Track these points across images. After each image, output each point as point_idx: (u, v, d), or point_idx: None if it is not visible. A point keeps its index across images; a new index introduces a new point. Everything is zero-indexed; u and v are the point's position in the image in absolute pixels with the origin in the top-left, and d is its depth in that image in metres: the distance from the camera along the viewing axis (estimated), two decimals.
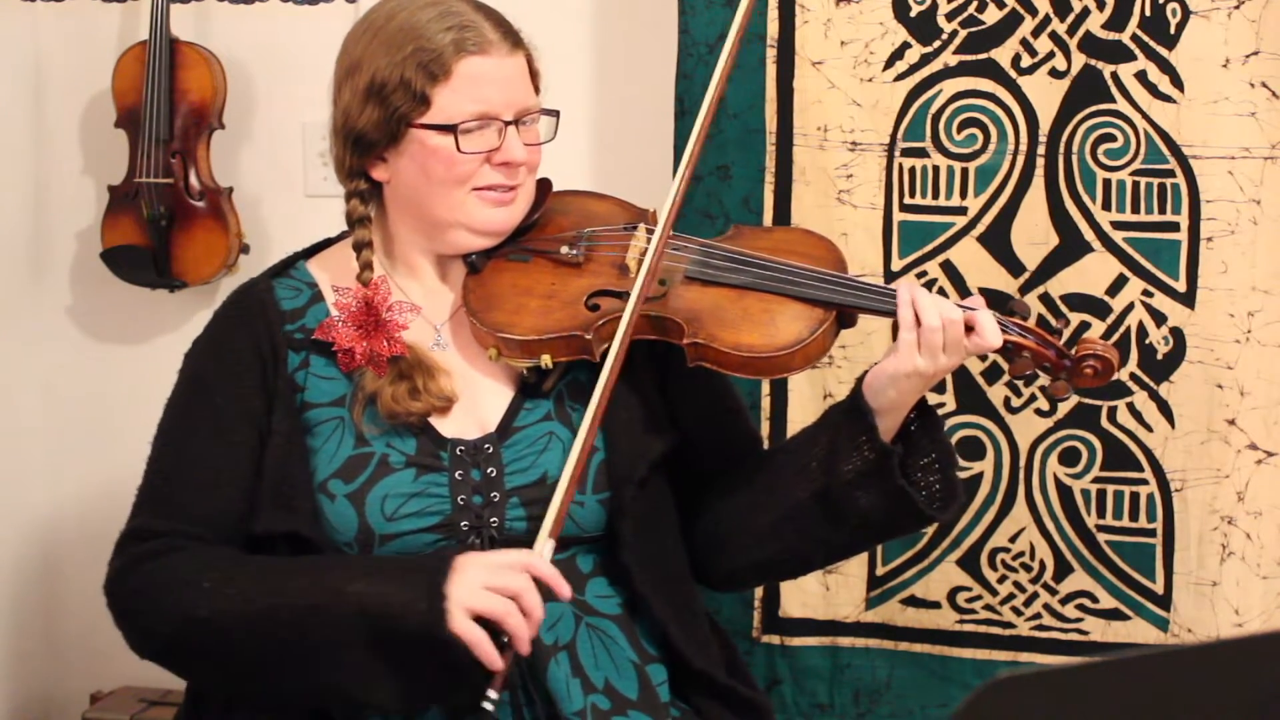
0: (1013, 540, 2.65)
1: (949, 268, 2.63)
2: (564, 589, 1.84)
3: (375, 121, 1.96)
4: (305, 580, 1.84)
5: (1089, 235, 2.58)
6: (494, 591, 1.80)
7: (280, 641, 1.83)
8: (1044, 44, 2.58)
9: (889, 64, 2.62)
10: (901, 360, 1.91)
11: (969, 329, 1.92)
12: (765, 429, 2.65)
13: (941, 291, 2.60)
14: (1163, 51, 2.54)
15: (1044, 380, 1.99)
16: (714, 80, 1.99)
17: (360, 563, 1.89)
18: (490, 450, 1.96)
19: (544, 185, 2.09)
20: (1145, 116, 2.55)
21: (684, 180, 1.98)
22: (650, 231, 2.03)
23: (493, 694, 1.79)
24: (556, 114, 2.04)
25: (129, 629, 1.92)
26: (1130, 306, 2.58)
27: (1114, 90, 2.56)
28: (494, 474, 1.94)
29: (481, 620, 1.79)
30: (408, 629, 1.79)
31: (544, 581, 1.83)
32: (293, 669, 1.84)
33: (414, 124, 1.96)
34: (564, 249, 2.03)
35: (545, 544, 1.85)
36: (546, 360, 1.96)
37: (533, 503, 1.93)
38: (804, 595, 2.69)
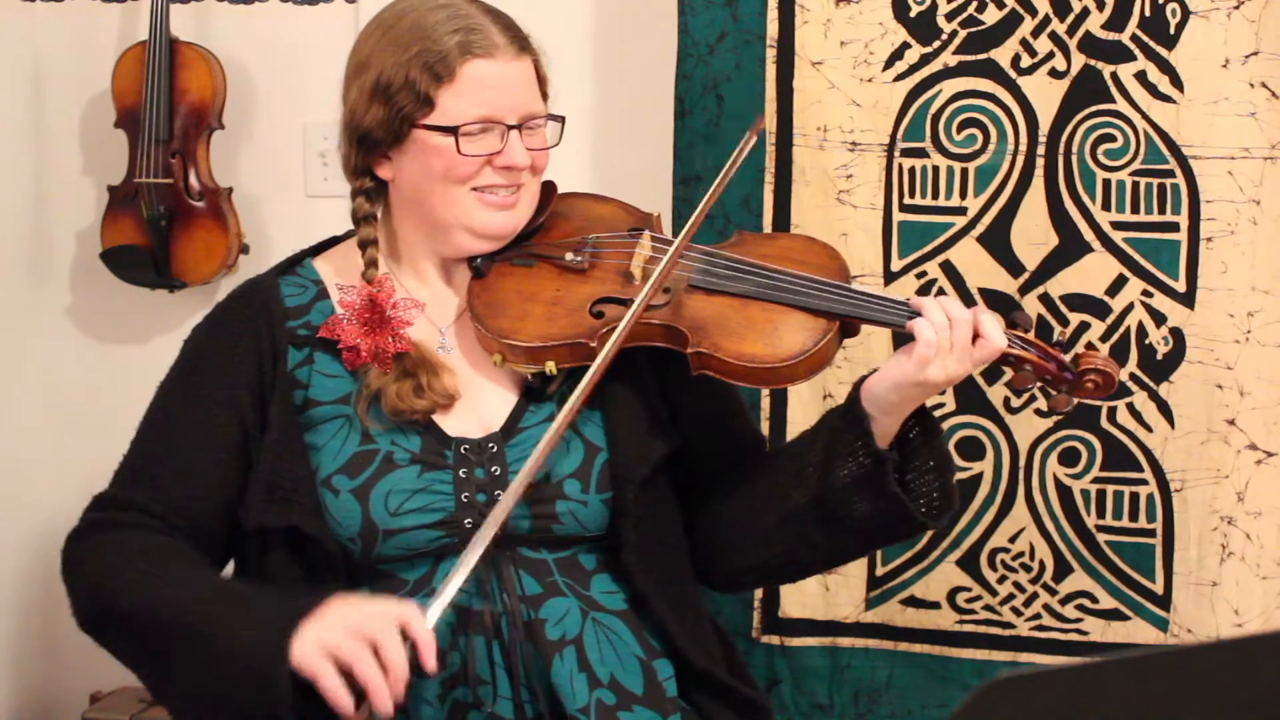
0: (1012, 540, 2.65)
1: (949, 268, 2.63)
2: (431, 660, 1.75)
3: (380, 120, 1.97)
4: (196, 598, 1.85)
5: (1089, 235, 2.58)
6: (352, 635, 1.75)
7: (164, 653, 1.85)
8: (1044, 44, 2.58)
9: (889, 64, 2.62)
10: (910, 370, 1.90)
11: (976, 333, 1.92)
12: (765, 430, 2.65)
13: (941, 292, 2.60)
14: (1162, 52, 2.54)
15: (1048, 391, 1.98)
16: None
17: (245, 593, 1.88)
18: (494, 449, 1.96)
19: (548, 188, 2.09)
20: (1145, 117, 2.55)
21: (701, 214, 1.99)
22: (655, 238, 2.04)
23: None
24: (562, 120, 2.05)
25: (68, 591, 1.95)
26: (1130, 307, 2.58)
27: (1114, 90, 2.56)
28: (498, 473, 1.95)
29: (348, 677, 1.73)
30: (252, 665, 1.75)
31: (415, 644, 1.74)
32: (174, 685, 1.87)
33: (417, 124, 1.96)
34: (569, 255, 2.03)
35: (434, 608, 1.78)
36: (551, 367, 1.96)
37: (536, 502, 1.93)
38: (804, 595, 2.69)
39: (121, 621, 1.88)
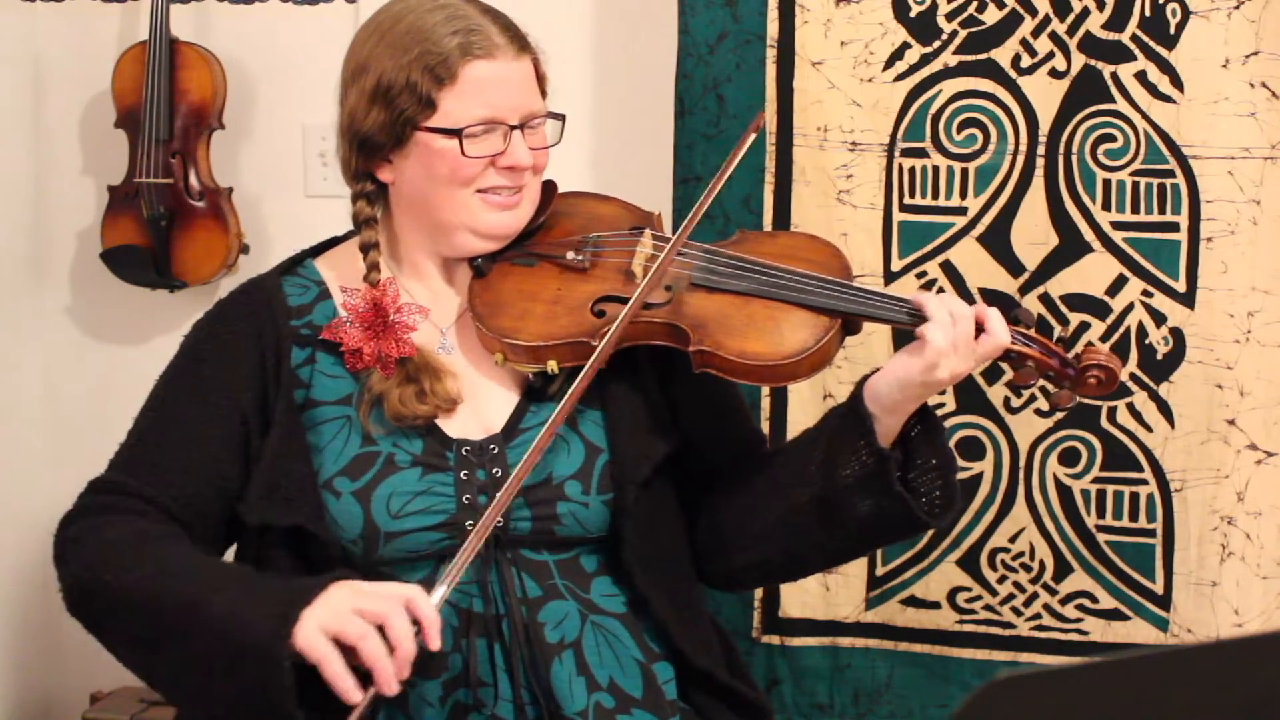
0: (1013, 540, 2.65)
1: (949, 268, 2.63)
2: (435, 640, 1.73)
3: (381, 124, 1.96)
4: (193, 580, 1.83)
5: (1089, 235, 2.58)
6: (357, 615, 1.73)
7: (155, 636, 1.83)
8: (1044, 44, 2.58)
9: (889, 64, 2.62)
10: (917, 371, 1.90)
11: (978, 329, 1.92)
12: (765, 430, 2.65)
13: (941, 293, 2.60)
14: (1163, 52, 2.54)
15: (1049, 388, 1.99)
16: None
17: (244, 576, 1.87)
18: (496, 451, 1.96)
19: (549, 187, 2.09)
20: (1145, 117, 2.55)
21: (700, 211, 1.99)
22: (656, 236, 2.04)
23: None
24: (562, 118, 2.04)
25: (58, 575, 1.93)
26: (1130, 307, 2.58)
27: (1114, 90, 2.56)
28: (499, 474, 1.94)
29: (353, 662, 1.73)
30: (253, 648, 1.73)
31: (420, 623, 1.73)
32: (164, 667, 1.84)
33: (419, 127, 1.95)
34: (570, 254, 2.03)
35: (440, 588, 1.77)
36: (553, 366, 1.96)
37: (538, 503, 1.93)
38: (804, 595, 2.69)
39: (115, 602, 1.85)
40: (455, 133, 1.94)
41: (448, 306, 2.05)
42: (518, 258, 2.04)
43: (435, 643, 1.74)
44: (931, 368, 1.89)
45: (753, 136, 2.08)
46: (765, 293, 1.97)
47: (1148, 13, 2.54)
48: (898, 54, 2.62)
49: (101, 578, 1.86)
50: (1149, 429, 2.59)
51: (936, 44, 2.61)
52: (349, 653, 1.72)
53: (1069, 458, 2.62)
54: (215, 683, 1.78)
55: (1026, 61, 2.59)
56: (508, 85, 1.97)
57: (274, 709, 1.73)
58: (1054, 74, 2.58)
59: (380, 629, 1.72)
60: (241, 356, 1.98)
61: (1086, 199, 2.58)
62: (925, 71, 2.61)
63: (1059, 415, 2.61)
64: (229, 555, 2.03)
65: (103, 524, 1.91)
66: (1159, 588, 2.61)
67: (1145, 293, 2.57)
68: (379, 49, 1.97)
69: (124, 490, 1.94)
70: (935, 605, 2.67)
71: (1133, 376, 2.58)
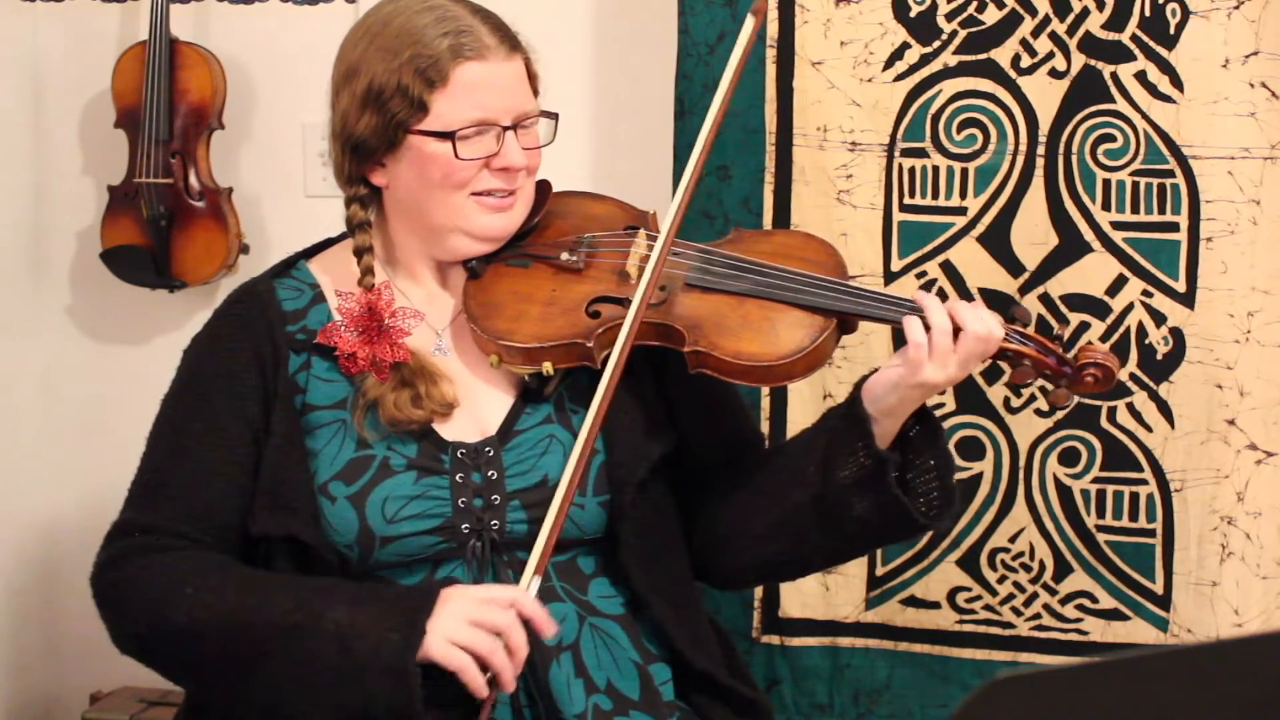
0: (1012, 540, 2.65)
1: (949, 268, 2.63)
2: (549, 628, 1.84)
3: (373, 128, 1.95)
4: (289, 599, 1.84)
5: (1089, 235, 2.58)
6: (478, 627, 1.80)
7: (251, 657, 1.83)
8: (1044, 44, 2.58)
9: (889, 64, 2.62)
10: (909, 370, 1.90)
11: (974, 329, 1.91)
12: (765, 429, 2.65)
13: (941, 292, 2.60)
14: (1162, 52, 2.54)
15: (1046, 386, 1.98)
16: (714, 107, 1.99)
17: (347, 589, 1.87)
18: (491, 453, 1.96)
19: (544, 187, 2.08)
20: (1145, 117, 2.55)
21: (684, 199, 1.96)
22: (650, 236, 2.03)
23: None
24: (555, 117, 2.04)
25: (108, 622, 1.94)
26: (1130, 307, 2.58)
27: (1114, 90, 2.56)
28: (495, 477, 1.94)
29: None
30: (380, 660, 1.78)
31: (530, 620, 1.82)
32: (262, 686, 1.84)
33: (412, 130, 1.94)
34: (564, 255, 2.02)
35: (531, 581, 1.83)
36: (548, 367, 1.96)
37: (533, 505, 1.93)
38: (804, 595, 2.69)
39: (193, 636, 1.85)
40: (448, 135, 1.94)
41: (443, 308, 2.05)
42: (512, 259, 2.03)
43: (549, 632, 1.84)
44: (915, 365, 1.89)
45: (756, 25, 2.04)
46: (760, 293, 1.96)
47: (1147, 13, 2.54)
48: (897, 54, 2.61)
49: (171, 618, 1.86)
50: (1149, 429, 2.59)
51: (936, 44, 2.61)
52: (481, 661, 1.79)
53: (1069, 458, 2.62)
54: (332, 695, 1.80)
55: (1026, 61, 2.59)
56: (499, 86, 1.96)
57: (403, 716, 1.78)
58: (1054, 74, 2.58)
59: (500, 635, 1.79)
60: (242, 371, 1.97)
61: (1086, 199, 2.58)
62: (925, 71, 2.61)
63: (1059, 415, 2.61)
64: None
65: (149, 564, 1.90)
66: (1159, 588, 2.61)
67: (1145, 293, 2.57)
68: (369, 52, 1.96)
69: (152, 530, 1.93)
70: (935, 605, 2.67)
71: (1132, 376, 2.58)
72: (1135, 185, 2.57)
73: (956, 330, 1.90)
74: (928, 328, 1.90)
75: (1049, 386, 1.97)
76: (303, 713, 1.84)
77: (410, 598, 1.84)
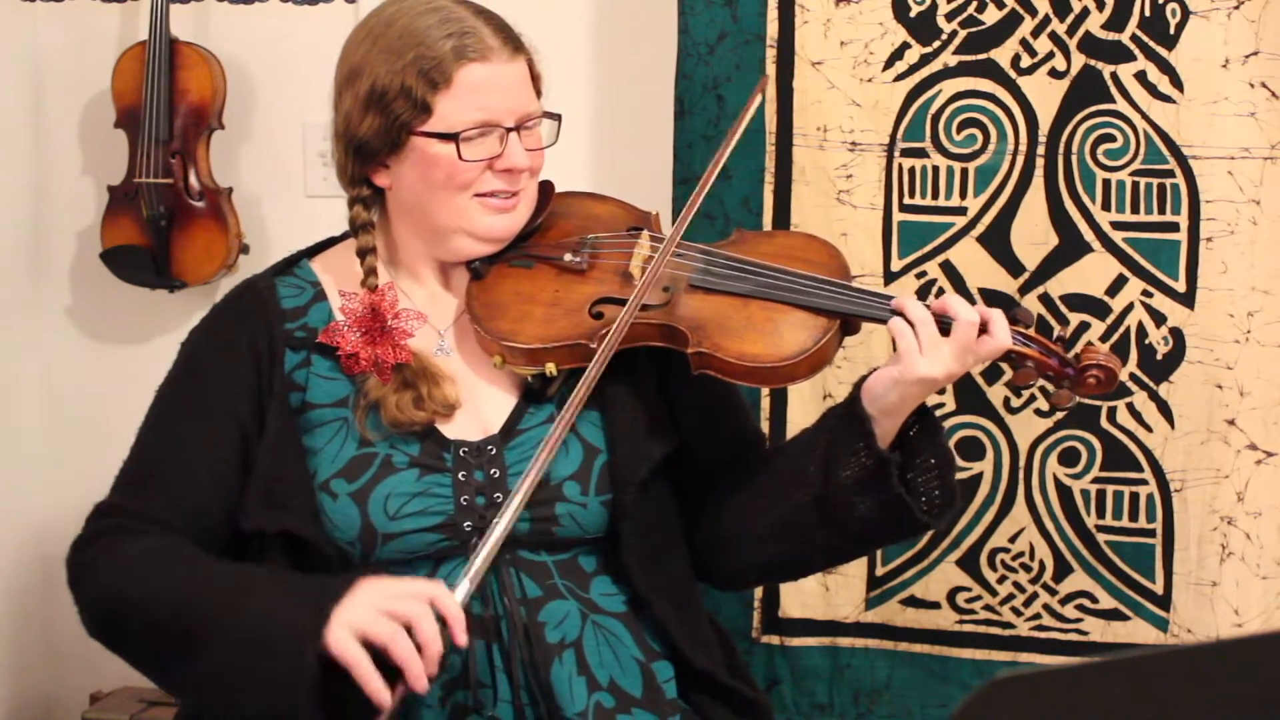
0: (1012, 540, 2.65)
1: (949, 268, 2.63)
2: (462, 635, 1.76)
3: (376, 129, 1.95)
4: (228, 584, 1.84)
5: (1089, 235, 2.58)
6: (385, 616, 1.75)
7: (179, 640, 1.83)
8: (1044, 44, 2.58)
9: (889, 64, 2.62)
10: (906, 367, 1.90)
11: (982, 329, 1.91)
12: (765, 429, 2.65)
13: (941, 292, 2.60)
14: (1162, 52, 2.54)
15: (1048, 388, 1.98)
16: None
17: (286, 578, 1.87)
18: (493, 452, 1.96)
19: (547, 188, 2.08)
20: (1145, 117, 2.55)
21: (693, 207, 1.98)
22: (654, 237, 2.03)
23: None
24: (558, 118, 2.04)
25: (76, 602, 1.94)
26: (1130, 307, 2.58)
27: (1114, 90, 2.56)
28: (497, 475, 1.94)
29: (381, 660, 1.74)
30: (283, 639, 1.75)
31: (445, 620, 1.75)
32: (195, 670, 1.83)
33: (415, 132, 1.95)
34: (567, 256, 2.02)
35: (463, 585, 1.79)
36: (551, 368, 1.96)
37: (535, 504, 1.92)
38: (804, 595, 2.69)
39: (142, 617, 1.85)
40: (451, 137, 1.94)
41: (445, 309, 2.05)
42: (515, 259, 2.03)
43: (462, 638, 1.75)
44: (911, 363, 1.89)
45: (759, 99, 2.07)
46: (763, 294, 1.97)
47: (1147, 13, 2.54)
48: (897, 54, 2.62)
49: (126, 595, 1.86)
50: (1149, 429, 2.59)
51: (936, 44, 2.61)
52: (381, 650, 1.73)
53: (1069, 458, 2.62)
54: (244, 686, 1.78)
55: (1026, 61, 2.59)
56: (503, 87, 1.96)
57: (292, 707, 1.74)
58: (1054, 74, 2.58)
59: (408, 627, 1.73)
60: (237, 366, 1.97)
61: (1086, 199, 2.58)
62: (925, 71, 2.61)
63: (1059, 415, 2.61)
64: None
65: (117, 545, 1.91)
66: (1159, 588, 2.61)
67: (1145, 293, 2.57)
68: (372, 53, 1.96)
69: (131, 513, 1.94)
70: (935, 605, 2.67)
71: (1132, 376, 2.58)
72: (1135, 185, 2.57)
73: (948, 325, 1.90)
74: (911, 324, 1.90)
75: (1050, 388, 1.97)
76: (223, 706, 1.83)
77: (326, 587, 1.79)
